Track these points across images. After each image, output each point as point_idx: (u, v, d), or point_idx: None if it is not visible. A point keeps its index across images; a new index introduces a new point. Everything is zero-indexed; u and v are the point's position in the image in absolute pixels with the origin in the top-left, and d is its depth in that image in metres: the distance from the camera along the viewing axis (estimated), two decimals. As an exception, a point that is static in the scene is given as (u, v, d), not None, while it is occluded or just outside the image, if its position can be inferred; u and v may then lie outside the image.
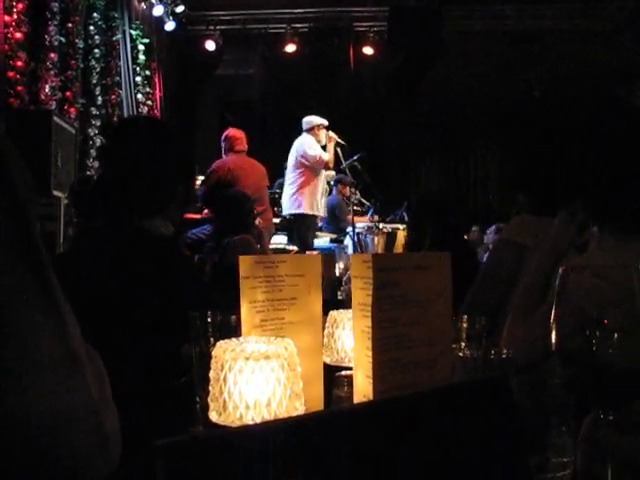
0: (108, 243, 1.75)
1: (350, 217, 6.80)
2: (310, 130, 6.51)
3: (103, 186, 1.86)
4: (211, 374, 0.86)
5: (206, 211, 5.60)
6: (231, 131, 5.99)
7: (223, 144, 5.93)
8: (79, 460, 0.58)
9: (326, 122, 6.58)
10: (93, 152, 5.92)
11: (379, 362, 0.88)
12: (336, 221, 7.35)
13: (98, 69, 6.31)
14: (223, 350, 0.85)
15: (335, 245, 6.67)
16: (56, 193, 4.36)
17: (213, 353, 0.86)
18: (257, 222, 4.62)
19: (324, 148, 6.48)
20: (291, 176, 6.50)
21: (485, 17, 8.57)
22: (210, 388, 0.86)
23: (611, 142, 1.46)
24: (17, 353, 0.56)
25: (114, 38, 6.75)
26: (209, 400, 0.86)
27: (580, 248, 1.56)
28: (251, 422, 0.82)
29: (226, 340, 0.89)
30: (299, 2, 8.73)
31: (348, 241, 6.56)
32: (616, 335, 0.68)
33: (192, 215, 5.68)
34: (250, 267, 1.00)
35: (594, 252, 1.46)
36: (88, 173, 5.71)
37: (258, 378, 0.83)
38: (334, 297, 2.85)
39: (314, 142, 6.44)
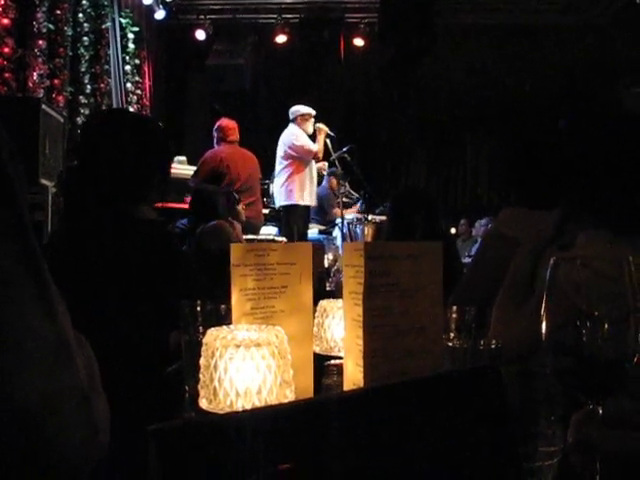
0: (98, 230, 1.74)
1: (337, 209, 6.77)
2: (296, 119, 6.38)
3: (85, 177, 1.87)
4: (201, 361, 0.86)
5: (194, 201, 5.56)
6: (224, 121, 5.92)
7: (215, 134, 5.86)
8: (69, 445, 0.58)
9: (313, 112, 6.43)
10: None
11: (370, 350, 0.88)
12: (323, 212, 7.33)
13: (87, 57, 6.25)
14: (214, 337, 0.84)
15: (323, 236, 6.67)
16: (44, 182, 4.30)
17: (204, 340, 0.86)
18: (241, 209, 4.58)
19: (312, 138, 6.38)
20: (279, 167, 6.40)
21: (477, 10, 8.57)
22: (200, 376, 0.86)
23: (604, 139, 1.46)
24: (7, 339, 0.56)
25: (103, 26, 6.68)
26: (199, 387, 0.86)
27: (562, 247, 1.56)
28: (241, 409, 0.81)
29: (217, 327, 0.89)
30: (290, -8, 8.73)
31: (337, 232, 6.55)
32: (606, 326, 0.69)
33: (182, 205, 5.64)
34: (241, 255, 1.00)
35: (584, 246, 1.46)
36: (76, 162, 5.65)
37: (249, 366, 0.82)
38: (322, 288, 2.84)
39: (300, 132, 6.32)
